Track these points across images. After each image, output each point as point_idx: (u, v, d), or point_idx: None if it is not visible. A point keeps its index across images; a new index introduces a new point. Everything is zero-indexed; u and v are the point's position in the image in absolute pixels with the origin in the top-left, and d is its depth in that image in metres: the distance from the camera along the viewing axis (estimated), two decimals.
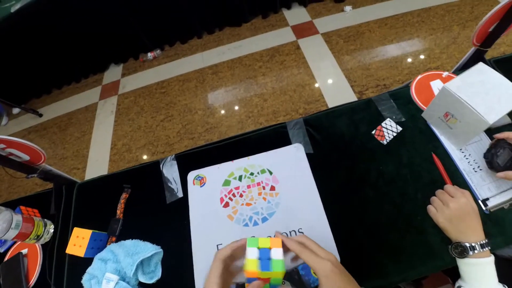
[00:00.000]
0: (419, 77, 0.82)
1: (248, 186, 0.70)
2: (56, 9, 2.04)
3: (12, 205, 0.84)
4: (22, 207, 0.84)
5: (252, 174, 0.71)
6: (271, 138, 0.78)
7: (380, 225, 0.63)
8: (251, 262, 0.43)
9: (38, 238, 0.77)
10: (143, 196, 0.78)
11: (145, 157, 1.99)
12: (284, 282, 0.51)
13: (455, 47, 1.89)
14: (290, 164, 0.71)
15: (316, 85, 1.94)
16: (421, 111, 0.76)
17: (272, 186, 0.69)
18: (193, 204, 0.70)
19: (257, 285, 0.43)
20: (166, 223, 0.72)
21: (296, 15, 2.37)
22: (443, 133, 0.72)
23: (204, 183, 0.73)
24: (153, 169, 0.81)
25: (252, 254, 0.44)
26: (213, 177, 0.73)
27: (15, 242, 0.83)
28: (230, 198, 0.69)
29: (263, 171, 0.71)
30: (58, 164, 2.20)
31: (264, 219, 0.65)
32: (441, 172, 0.67)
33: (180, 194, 0.74)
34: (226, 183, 0.71)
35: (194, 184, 0.73)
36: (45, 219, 0.81)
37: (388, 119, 0.76)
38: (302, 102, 1.88)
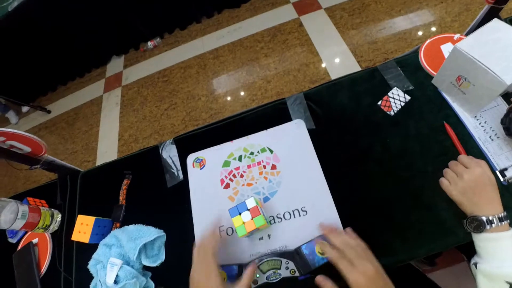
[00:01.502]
0: (428, 41, 0.76)
1: (249, 166, 0.67)
2: (53, 5, 2.02)
3: (20, 197, 0.85)
4: (29, 198, 0.85)
5: (252, 153, 0.69)
6: (271, 115, 0.75)
7: (388, 201, 0.60)
8: (236, 220, 0.54)
9: (46, 227, 0.78)
10: (145, 181, 0.77)
11: None
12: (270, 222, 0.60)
13: (467, 14, 1.76)
14: (291, 141, 0.68)
15: (321, 63, 1.87)
16: (431, 78, 0.70)
17: (273, 164, 0.66)
18: (194, 187, 0.69)
19: (251, 272, 0.50)
20: (168, 207, 0.71)
21: None
22: (456, 99, 0.66)
23: (204, 165, 0.71)
24: (153, 154, 0.80)
25: (233, 213, 0.55)
26: (213, 159, 0.71)
27: (26, 233, 0.85)
28: (230, 179, 0.67)
29: (263, 150, 0.68)
30: (69, 158, 2.24)
31: (266, 199, 0.63)
32: (454, 142, 0.62)
33: (180, 178, 0.73)
34: (226, 164, 0.69)
35: (193, 166, 0.71)
36: (52, 209, 0.82)
37: (395, 88, 0.71)
38: (307, 81, 1.82)
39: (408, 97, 0.69)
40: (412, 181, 0.60)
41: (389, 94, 0.70)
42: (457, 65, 0.60)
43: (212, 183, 0.68)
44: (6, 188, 2.33)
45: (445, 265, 0.99)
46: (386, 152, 0.64)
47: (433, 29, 1.79)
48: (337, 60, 1.86)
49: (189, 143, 0.78)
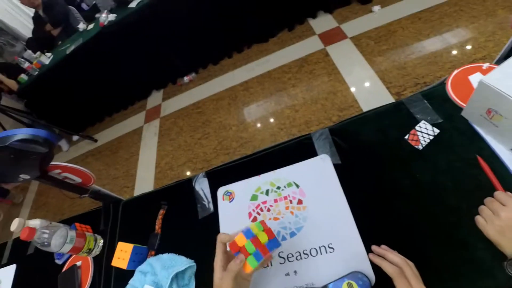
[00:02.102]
0: (455, 72, 0.75)
1: (275, 200, 0.70)
2: (102, 48, 2.33)
3: (69, 222, 0.95)
4: (77, 224, 0.94)
5: (278, 188, 0.71)
6: (297, 150, 0.77)
7: (419, 240, 0.58)
8: (240, 237, 0.50)
9: (89, 251, 0.85)
10: (178, 211, 0.83)
11: (188, 173, 2.10)
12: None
13: (502, 33, 1.68)
14: (317, 176, 0.69)
15: (349, 90, 1.88)
16: (460, 109, 0.69)
17: (299, 199, 0.68)
18: (223, 219, 0.73)
19: (241, 258, 0.49)
20: (199, 238, 0.75)
21: (322, 22, 2.35)
22: (488, 132, 0.64)
23: (233, 199, 0.74)
24: (187, 186, 0.85)
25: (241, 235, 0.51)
26: (241, 192, 0.75)
27: (71, 255, 0.93)
28: (258, 213, 0.69)
29: (289, 185, 0.71)
30: (111, 183, 2.42)
31: (292, 234, 0.64)
32: (490, 177, 0.59)
33: (211, 209, 0.77)
34: (254, 197, 0.72)
35: (223, 199, 0.76)
36: (96, 234, 0.90)
37: (423, 121, 0.70)
38: (335, 109, 1.83)
39: (437, 130, 0.68)
40: (445, 219, 0.58)
41: (417, 127, 0.70)
42: (485, 99, 0.59)
43: (240, 216, 0.71)
44: (54, 210, 2.57)
45: None
46: (415, 188, 0.63)
47: (465, 47, 1.73)
48: (365, 87, 1.86)
49: (220, 176, 0.82)
